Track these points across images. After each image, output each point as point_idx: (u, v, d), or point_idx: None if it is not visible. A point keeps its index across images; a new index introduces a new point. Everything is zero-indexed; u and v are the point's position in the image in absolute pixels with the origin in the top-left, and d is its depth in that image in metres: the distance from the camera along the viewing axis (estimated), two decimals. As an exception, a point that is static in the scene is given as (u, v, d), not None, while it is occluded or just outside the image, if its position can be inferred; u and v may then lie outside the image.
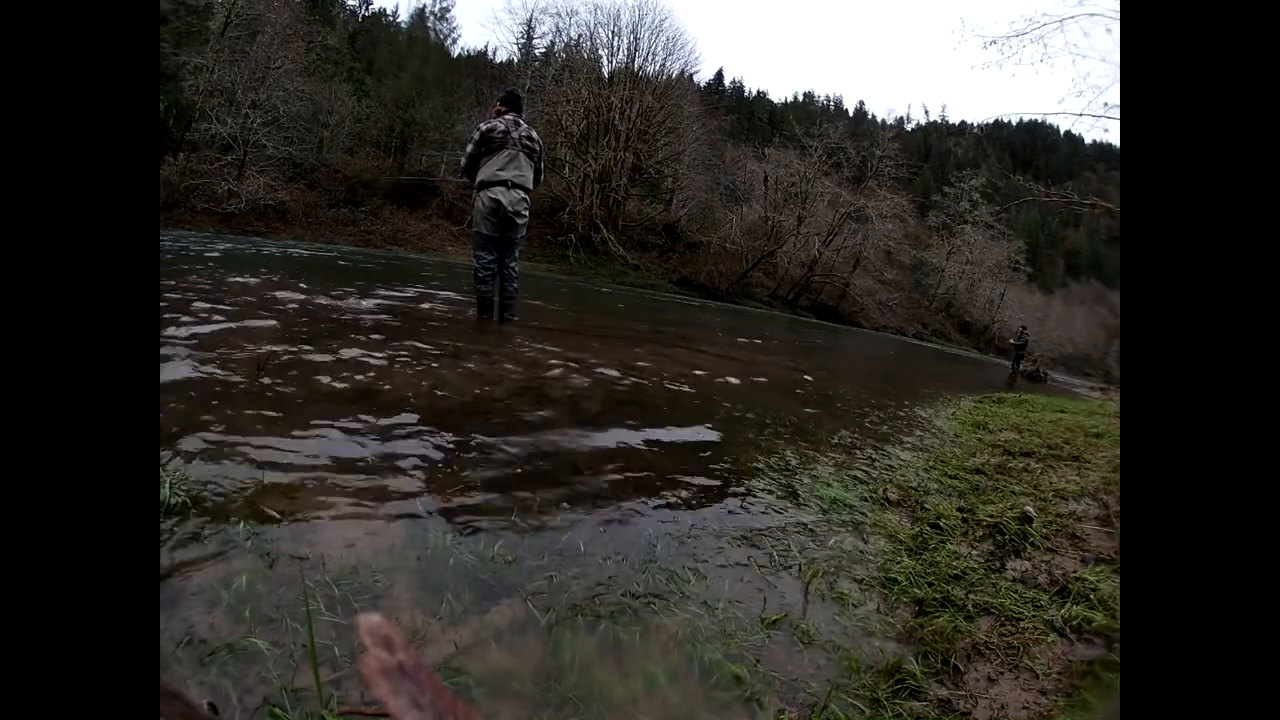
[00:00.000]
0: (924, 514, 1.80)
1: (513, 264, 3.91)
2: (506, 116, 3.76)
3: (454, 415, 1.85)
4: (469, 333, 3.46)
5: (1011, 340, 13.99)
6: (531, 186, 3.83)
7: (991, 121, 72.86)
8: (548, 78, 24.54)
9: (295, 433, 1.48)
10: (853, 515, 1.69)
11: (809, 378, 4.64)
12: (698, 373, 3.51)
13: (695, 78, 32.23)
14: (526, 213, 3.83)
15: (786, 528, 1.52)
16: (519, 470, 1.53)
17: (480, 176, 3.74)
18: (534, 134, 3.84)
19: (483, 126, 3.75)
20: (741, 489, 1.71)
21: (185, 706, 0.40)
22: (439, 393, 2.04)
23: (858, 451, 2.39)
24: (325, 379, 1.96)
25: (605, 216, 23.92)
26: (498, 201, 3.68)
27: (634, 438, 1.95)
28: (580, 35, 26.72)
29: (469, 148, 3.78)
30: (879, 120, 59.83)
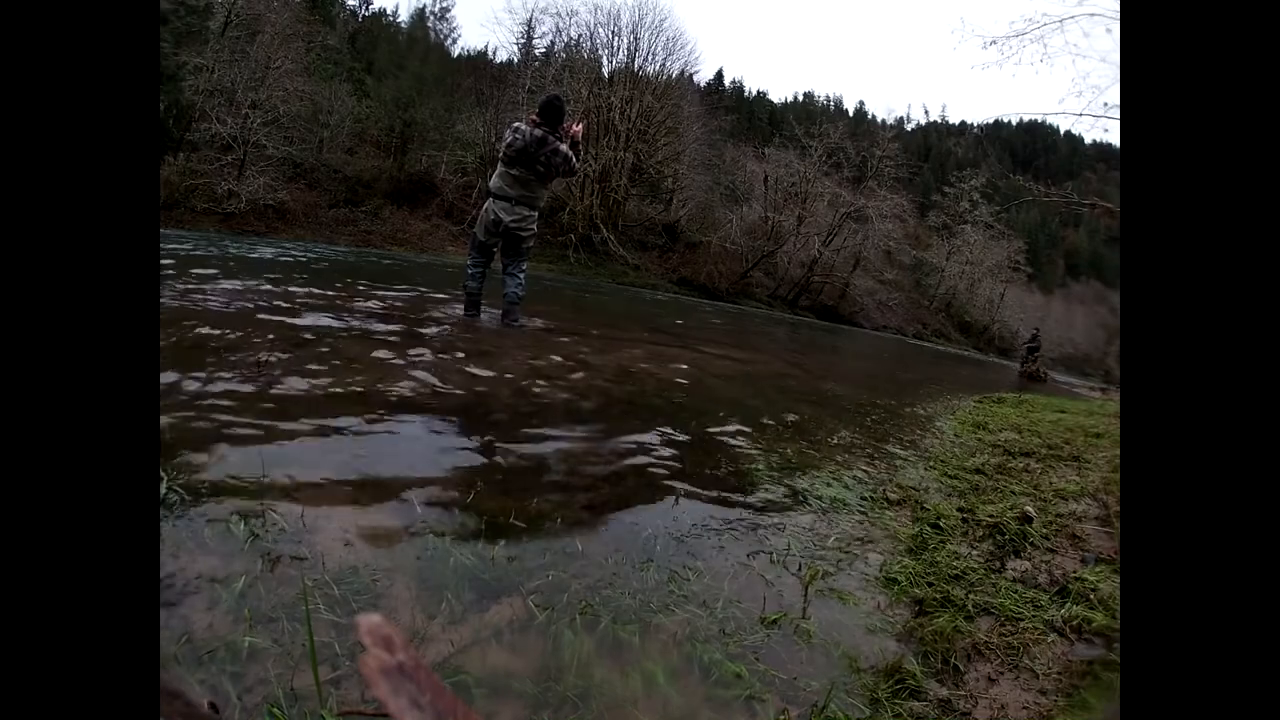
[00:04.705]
0: (924, 514, 1.80)
1: (514, 270, 3.92)
2: (536, 132, 3.62)
3: (443, 408, 1.85)
4: (464, 330, 3.47)
5: (1026, 342, 14.54)
6: (538, 201, 3.81)
7: (991, 121, 72.76)
8: (548, 78, 24.44)
9: (290, 428, 1.48)
10: (853, 515, 1.69)
11: (809, 377, 4.64)
12: (696, 371, 3.51)
13: (695, 78, 32.13)
14: (533, 227, 3.85)
15: (786, 527, 1.52)
16: (513, 465, 1.53)
17: (491, 184, 3.77)
18: (556, 146, 3.65)
19: (509, 137, 3.67)
20: (741, 488, 1.71)
21: (185, 706, 0.40)
22: (433, 387, 2.04)
23: (858, 451, 2.39)
24: (318, 379, 1.96)
25: (605, 216, 23.89)
26: (495, 214, 3.72)
27: (632, 438, 1.95)
28: (580, 35, 26.66)
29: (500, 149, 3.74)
30: (879, 120, 59.73)
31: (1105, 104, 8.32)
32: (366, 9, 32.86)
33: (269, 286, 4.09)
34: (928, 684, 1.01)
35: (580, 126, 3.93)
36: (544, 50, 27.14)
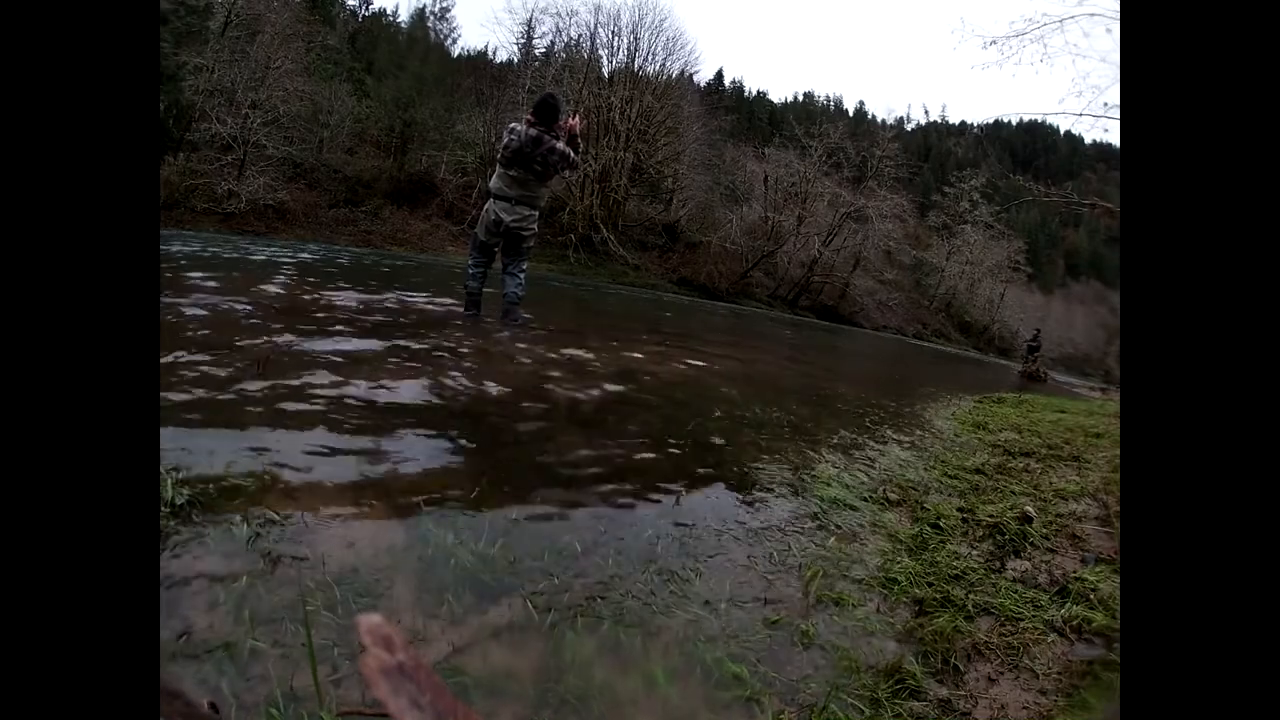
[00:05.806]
0: (924, 514, 1.80)
1: (515, 270, 3.94)
2: (531, 132, 3.62)
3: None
4: (464, 329, 3.47)
5: (1027, 341, 14.88)
6: (539, 201, 3.83)
7: (991, 121, 72.67)
8: (548, 78, 24.40)
9: (292, 428, 1.48)
10: (853, 515, 1.69)
11: (809, 377, 4.64)
12: (696, 371, 3.51)
13: (695, 78, 32.08)
14: (534, 226, 3.87)
15: (786, 527, 1.52)
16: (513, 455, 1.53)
17: (491, 185, 3.78)
18: (553, 145, 3.65)
19: (505, 138, 3.68)
20: (741, 489, 1.71)
21: (185, 706, 0.40)
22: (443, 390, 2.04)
23: (858, 451, 2.39)
24: (319, 378, 1.96)
25: (605, 216, 23.87)
26: (496, 214, 3.74)
27: (632, 438, 1.95)
28: (580, 35, 26.64)
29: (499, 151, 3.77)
30: (879, 120, 59.63)
31: (1105, 104, 8.32)
32: (366, 9, 32.88)
33: (269, 287, 4.09)
34: (928, 684, 1.01)
35: (579, 121, 3.91)
36: (544, 50, 27.14)
